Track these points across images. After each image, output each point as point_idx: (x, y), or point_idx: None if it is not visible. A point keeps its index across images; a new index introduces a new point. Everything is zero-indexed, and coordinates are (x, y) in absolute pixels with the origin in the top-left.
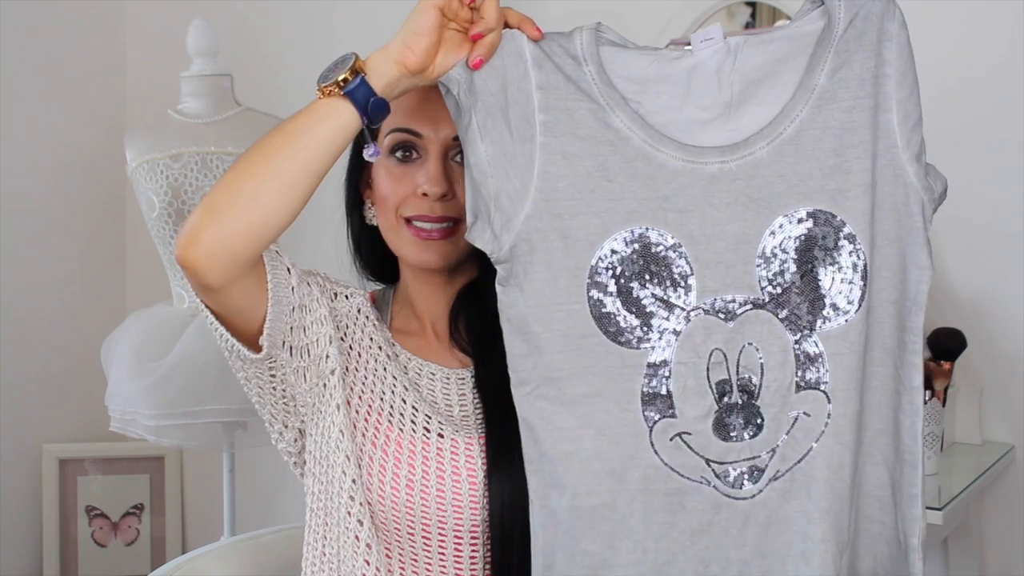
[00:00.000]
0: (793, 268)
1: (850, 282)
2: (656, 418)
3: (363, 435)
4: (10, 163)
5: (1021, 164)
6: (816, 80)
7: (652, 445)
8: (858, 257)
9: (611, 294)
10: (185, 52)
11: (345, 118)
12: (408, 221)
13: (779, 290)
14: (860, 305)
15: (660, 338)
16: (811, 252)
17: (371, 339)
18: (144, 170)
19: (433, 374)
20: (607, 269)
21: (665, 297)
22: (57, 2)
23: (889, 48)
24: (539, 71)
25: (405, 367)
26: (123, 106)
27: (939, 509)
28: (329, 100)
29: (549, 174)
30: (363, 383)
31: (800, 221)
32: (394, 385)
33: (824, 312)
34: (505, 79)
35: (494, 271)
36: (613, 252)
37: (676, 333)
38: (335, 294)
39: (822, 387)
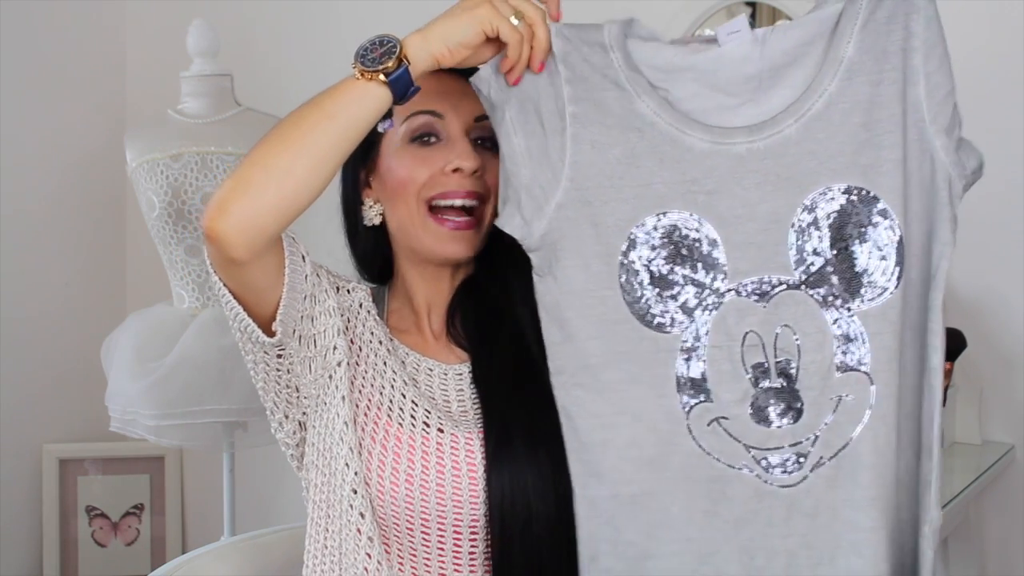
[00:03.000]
0: (828, 246)
1: (886, 259)
2: (692, 403)
3: (362, 429)
4: (10, 163)
5: (1021, 164)
6: (843, 52)
7: (690, 431)
8: (893, 232)
9: (642, 279)
10: (185, 52)
11: (382, 101)
12: (433, 211)
13: (814, 269)
14: (898, 283)
15: (693, 322)
16: (845, 229)
17: (371, 333)
18: (144, 170)
19: (431, 370)
20: (638, 254)
21: (697, 280)
22: (57, 2)
23: (916, 20)
24: (566, 66)
25: (403, 362)
26: (123, 106)
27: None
28: (368, 84)
29: (579, 163)
30: (363, 377)
31: (833, 198)
32: (394, 380)
33: (861, 291)
34: (536, 75)
35: (491, 268)
36: (644, 236)
37: (709, 316)
38: (338, 288)
39: (863, 368)
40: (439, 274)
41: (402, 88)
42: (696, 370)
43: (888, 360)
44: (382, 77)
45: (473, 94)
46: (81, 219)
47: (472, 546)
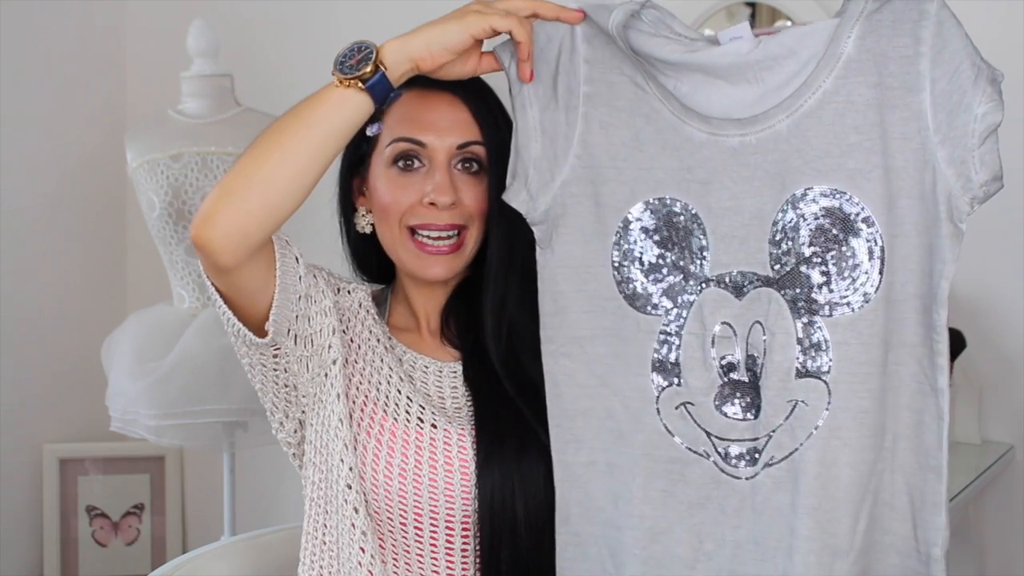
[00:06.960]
0: (804, 249)
1: (864, 270)
2: (664, 385)
3: (359, 424)
4: (10, 163)
5: (1021, 163)
6: (842, 48)
7: (658, 412)
8: (874, 243)
9: (632, 259)
10: (185, 52)
11: (362, 108)
12: (412, 233)
13: (787, 270)
14: (874, 295)
15: (674, 307)
16: (824, 234)
17: (370, 332)
18: (144, 170)
19: (427, 367)
20: (631, 235)
21: (682, 266)
22: (57, 2)
23: (925, 27)
24: (588, 45)
25: (400, 359)
26: (123, 106)
27: None
28: (347, 91)
29: (588, 143)
30: (361, 374)
31: (814, 200)
32: (390, 376)
33: (832, 298)
34: (560, 49)
35: (484, 271)
36: (638, 219)
37: (689, 303)
38: (338, 289)
39: (823, 377)
40: (431, 282)
41: (382, 93)
42: (671, 354)
43: (853, 373)
44: (360, 84)
45: (460, 120)
46: (81, 219)
47: (464, 542)
